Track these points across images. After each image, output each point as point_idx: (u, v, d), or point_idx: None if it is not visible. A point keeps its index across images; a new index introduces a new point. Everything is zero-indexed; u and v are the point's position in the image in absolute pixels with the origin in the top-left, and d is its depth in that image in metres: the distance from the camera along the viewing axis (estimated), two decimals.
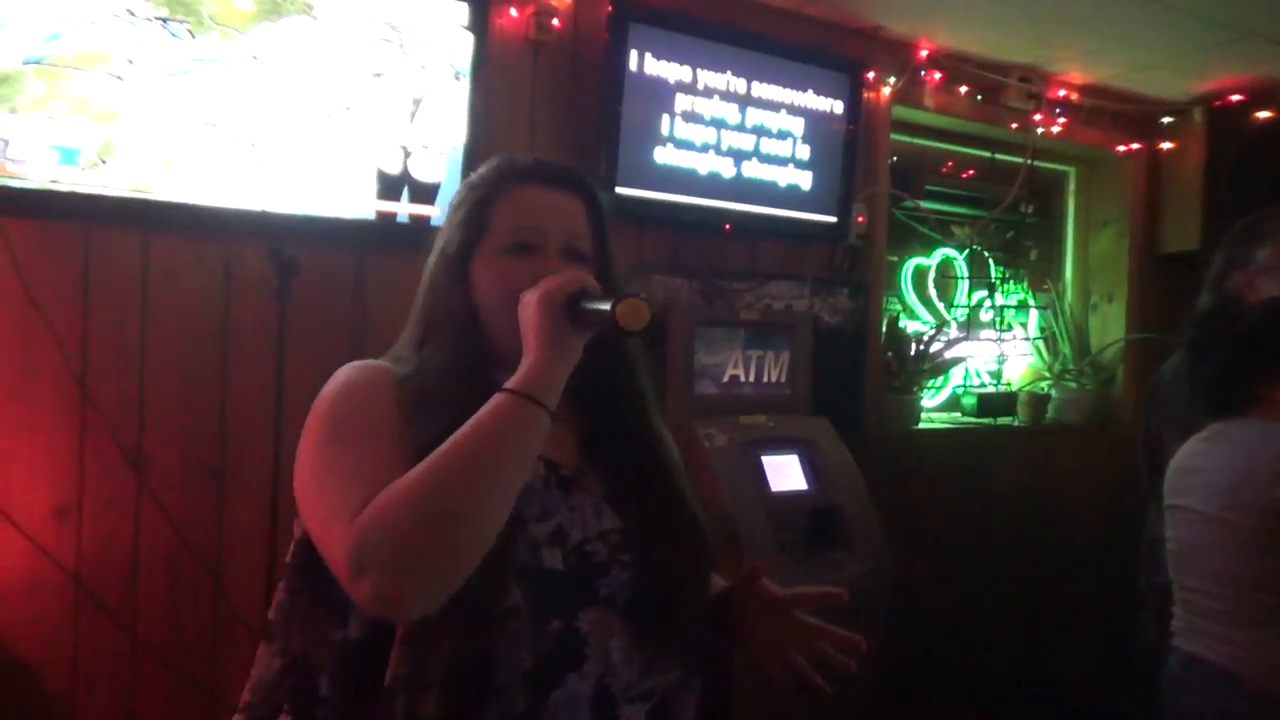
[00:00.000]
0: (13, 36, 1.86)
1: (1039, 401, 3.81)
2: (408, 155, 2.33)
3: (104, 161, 1.97)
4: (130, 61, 1.97)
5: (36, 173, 1.91)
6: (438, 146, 2.35)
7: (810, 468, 2.68)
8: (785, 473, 2.62)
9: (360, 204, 2.27)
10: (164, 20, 1.99)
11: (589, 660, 1.00)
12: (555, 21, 2.54)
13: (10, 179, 1.88)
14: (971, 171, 3.79)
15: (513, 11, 2.52)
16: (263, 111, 2.12)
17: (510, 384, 0.95)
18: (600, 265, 1.12)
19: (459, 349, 1.06)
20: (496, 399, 0.94)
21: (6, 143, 1.87)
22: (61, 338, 1.99)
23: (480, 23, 2.38)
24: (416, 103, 2.32)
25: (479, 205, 1.11)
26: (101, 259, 2.04)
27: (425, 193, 2.34)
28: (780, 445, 2.67)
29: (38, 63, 1.88)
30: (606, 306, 0.93)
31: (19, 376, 1.96)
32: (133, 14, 1.96)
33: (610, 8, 2.58)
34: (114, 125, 1.97)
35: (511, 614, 0.96)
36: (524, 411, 0.93)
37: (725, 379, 2.78)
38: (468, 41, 2.36)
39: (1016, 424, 3.73)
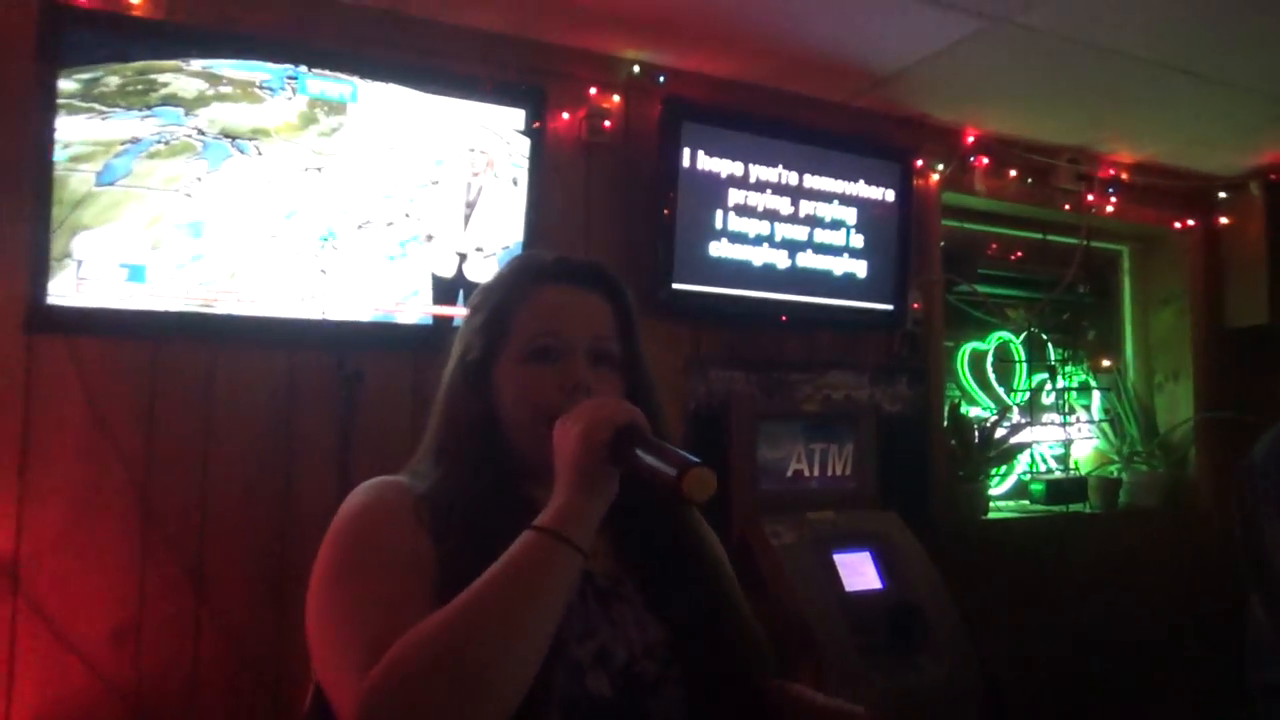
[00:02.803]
0: (87, 160, 1.90)
1: (1110, 486, 3.67)
2: (463, 259, 2.34)
3: (170, 278, 1.99)
4: (199, 179, 2.00)
5: (105, 291, 1.93)
6: (491, 248, 2.36)
7: (883, 564, 2.57)
8: (859, 571, 2.51)
9: (418, 309, 2.27)
10: (232, 139, 2.03)
11: None
12: (607, 123, 2.57)
13: (81, 299, 1.90)
14: (1023, 253, 3.74)
15: (565, 115, 2.55)
16: (325, 222, 2.14)
17: (542, 522, 0.87)
18: (628, 364, 1.07)
19: (482, 462, 1.00)
20: (526, 539, 0.86)
21: (80, 263, 1.89)
22: (125, 454, 1.98)
23: (535, 127, 2.41)
24: (470, 206, 2.34)
25: (499, 310, 1.06)
26: (166, 374, 2.04)
27: None
28: (851, 542, 2.57)
29: (111, 184, 1.92)
30: (666, 469, 0.87)
31: (83, 495, 1.95)
32: (203, 133, 2.00)
33: (661, 107, 2.61)
34: (181, 241, 1.99)
35: None
36: (556, 554, 0.86)
37: (789, 474, 2.70)
38: (523, 145, 2.39)
39: (1089, 510, 3.59)
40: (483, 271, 2.34)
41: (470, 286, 2.33)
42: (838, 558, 2.50)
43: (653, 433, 1.03)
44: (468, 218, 2.32)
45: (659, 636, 1.00)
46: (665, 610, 1.02)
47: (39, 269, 1.86)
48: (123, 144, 1.93)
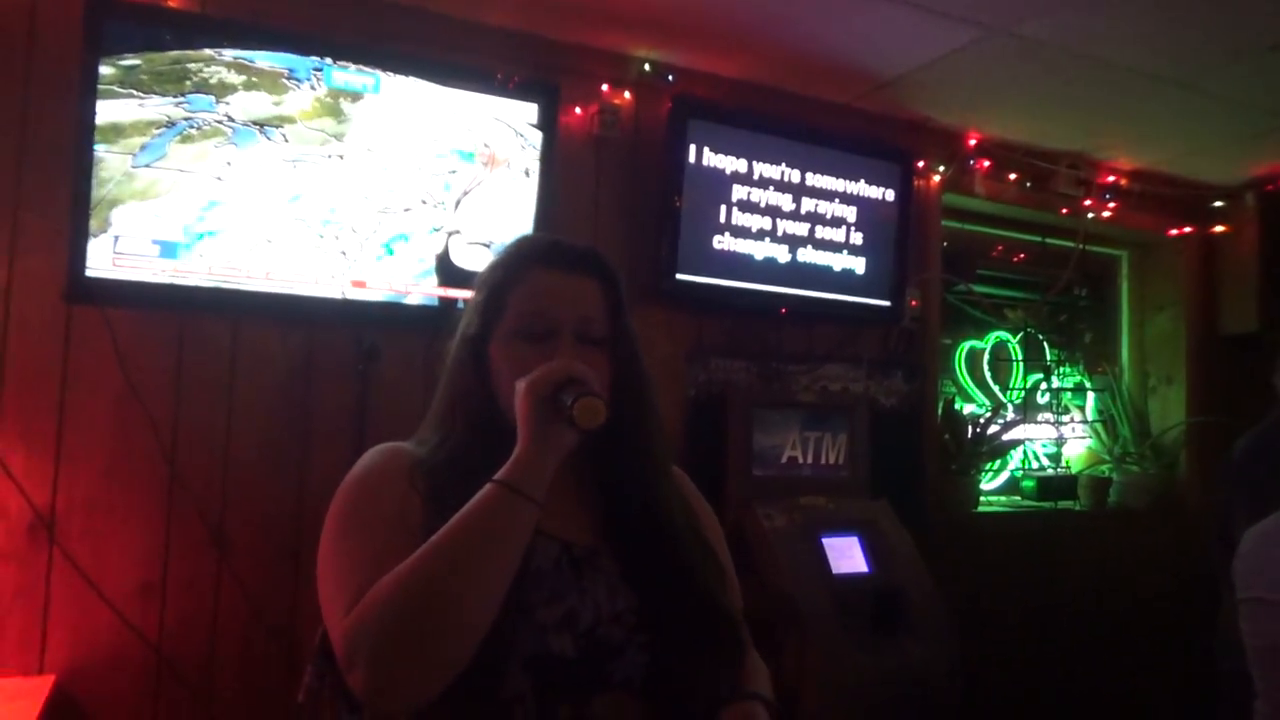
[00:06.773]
0: (125, 142, 2.02)
1: (1100, 485, 3.75)
2: (467, 245, 2.44)
3: (200, 255, 2.11)
4: (228, 163, 2.12)
5: (139, 266, 2.05)
6: (502, 236, 2.46)
7: (871, 550, 2.67)
8: (846, 554, 2.62)
9: (427, 290, 2.37)
10: (260, 125, 2.15)
11: None
12: (617, 119, 2.67)
13: (117, 272, 2.02)
14: (1023, 255, 3.82)
15: (577, 110, 2.66)
16: (346, 206, 2.25)
17: (499, 475, 0.95)
18: (617, 346, 1.11)
19: (476, 432, 1.07)
20: (484, 491, 0.94)
21: (117, 239, 2.01)
22: (155, 421, 2.10)
23: (548, 121, 2.51)
24: (480, 194, 2.45)
25: (496, 290, 1.12)
26: (194, 345, 2.16)
27: None
28: (840, 526, 2.67)
29: (147, 166, 2.04)
30: (568, 401, 0.94)
31: (116, 458, 2.07)
32: (232, 120, 2.12)
33: (669, 105, 2.71)
34: (211, 221, 2.11)
35: (516, 702, 0.96)
36: (509, 504, 0.93)
37: (784, 460, 2.80)
38: (536, 138, 2.50)
39: (1078, 508, 3.68)
40: (481, 257, 2.45)
41: (466, 270, 2.44)
42: (826, 541, 2.60)
43: (637, 402, 1.12)
44: (468, 204, 2.43)
45: (629, 605, 1.04)
46: (640, 583, 1.06)
47: (79, 243, 1.98)
48: (158, 128, 2.05)
